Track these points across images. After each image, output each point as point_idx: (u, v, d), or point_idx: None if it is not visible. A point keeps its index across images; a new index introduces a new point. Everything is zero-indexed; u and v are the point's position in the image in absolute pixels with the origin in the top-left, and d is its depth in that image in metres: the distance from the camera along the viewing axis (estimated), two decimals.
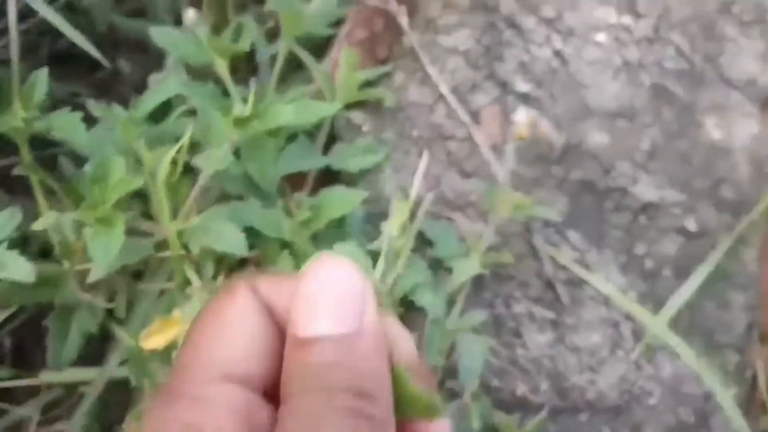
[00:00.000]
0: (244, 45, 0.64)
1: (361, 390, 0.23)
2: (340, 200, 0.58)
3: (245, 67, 0.90)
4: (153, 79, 0.90)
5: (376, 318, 0.26)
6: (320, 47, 0.77)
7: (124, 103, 0.71)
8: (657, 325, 0.64)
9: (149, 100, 0.60)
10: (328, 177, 0.69)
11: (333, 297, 0.25)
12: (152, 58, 0.84)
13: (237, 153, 0.64)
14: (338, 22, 0.82)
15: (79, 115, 0.62)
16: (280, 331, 0.27)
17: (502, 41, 0.74)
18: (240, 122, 0.56)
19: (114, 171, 0.57)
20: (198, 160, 0.55)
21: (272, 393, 0.26)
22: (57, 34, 1.13)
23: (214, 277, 0.65)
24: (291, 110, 0.56)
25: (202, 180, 0.59)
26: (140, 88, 1.07)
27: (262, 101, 0.68)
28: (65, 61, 1.15)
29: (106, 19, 1.06)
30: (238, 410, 0.24)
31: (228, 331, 0.25)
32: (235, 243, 0.54)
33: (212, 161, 0.53)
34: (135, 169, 0.60)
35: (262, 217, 0.58)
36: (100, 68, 1.16)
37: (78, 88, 1.05)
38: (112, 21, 1.06)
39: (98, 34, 1.07)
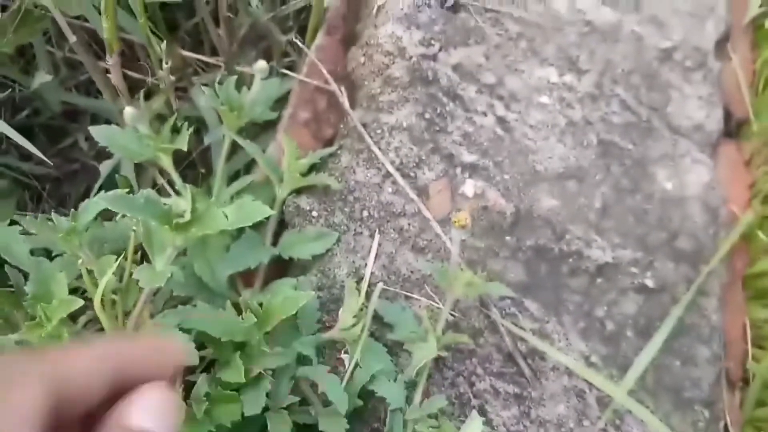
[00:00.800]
0: (181, 143, 0.64)
1: None
2: (288, 301, 0.57)
3: (195, 146, 0.90)
4: (103, 166, 0.90)
5: None
6: (272, 122, 0.77)
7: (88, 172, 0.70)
8: (620, 394, 0.63)
9: (88, 212, 0.60)
10: (281, 265, 0.68)
11: None
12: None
13: (185, 252, 0.63)
14: (283, 100, 0.82)
15: (17, 230, 0.61)
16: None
17: (444, 113, 0.74)
18: (180, 228, 0.55)
19: (56, 290, 0.57)
20: (139, 274, 0.54)
21: None
22: (17, 108, 1.14)
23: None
24: (231, 212, 0.55)
25: (147, 288, 0.58)
26: (100, 154, 1.07)
27: (211, 193, 0.68)
28: (29, 132, 1.15)
29: (58, 98, 1.06)
30: None
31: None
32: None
33: (152, 277, 0.52)
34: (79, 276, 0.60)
35: (212, 321, 0.57)
36: (62, 138, 1.16)
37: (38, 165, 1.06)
38: (64, 100, 1.06)
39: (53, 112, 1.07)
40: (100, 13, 0.78)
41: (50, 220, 0.60)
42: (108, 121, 1.13)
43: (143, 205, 0.54)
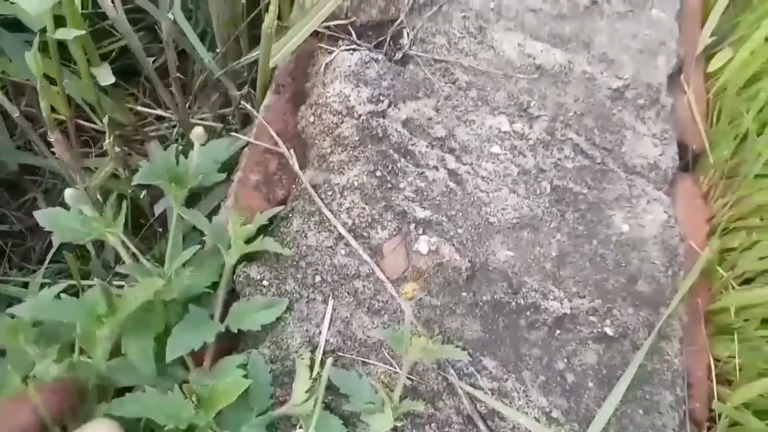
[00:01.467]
0: (120, 226, 0.63)
1: None
2: (235, 383, 0.57)
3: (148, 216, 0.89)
4: (56, 237, 0.88)
5: None
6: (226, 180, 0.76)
7: None
8: None
9: (31, 307, 0.58)
10: (232, 337, 0.67)
11: None
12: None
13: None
14: (233, 163, 0.81)
15: None
16: None
17: (396, 170, 0.73)
18: (101, 323, 0.55)
19: (9, 383, 0.56)
20: (80, 369, 0.54)
21: None
22: None
23: None
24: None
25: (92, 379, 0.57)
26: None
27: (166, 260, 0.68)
28: None
29: (13, 159, 1.05)
30: None
31: None
32: None
33: (89, 371, 0.52)
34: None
35: (158, 408, 0.56)
36: (22, 194, 1.15)
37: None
38: (19, 161, 1.05)
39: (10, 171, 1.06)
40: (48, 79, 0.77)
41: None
42: (65, 179, 1.12)
43: (63, 308, 0.54)
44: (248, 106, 0.80)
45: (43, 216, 0.65)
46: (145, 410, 0.56)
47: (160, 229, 0.92)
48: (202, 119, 1.03)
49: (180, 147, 0.73)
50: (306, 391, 0.61)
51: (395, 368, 0.67)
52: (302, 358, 0.64)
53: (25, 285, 1.00)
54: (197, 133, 0.66)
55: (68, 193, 0.63)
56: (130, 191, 0.81)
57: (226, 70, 0.91)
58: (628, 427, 0.70)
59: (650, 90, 0.89)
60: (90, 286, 0.65)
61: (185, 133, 0.99)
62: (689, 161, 0.92)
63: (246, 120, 1.00)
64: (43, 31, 0.76)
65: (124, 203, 0.65)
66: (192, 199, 0.77)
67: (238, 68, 0.95)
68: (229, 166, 0.87)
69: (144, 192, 0.83)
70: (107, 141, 0.71)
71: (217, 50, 0.93)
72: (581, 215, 0.78)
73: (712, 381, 0.80)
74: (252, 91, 0.93)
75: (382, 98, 0.76)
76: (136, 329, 0.58)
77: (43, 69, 0.70)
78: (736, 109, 0.90)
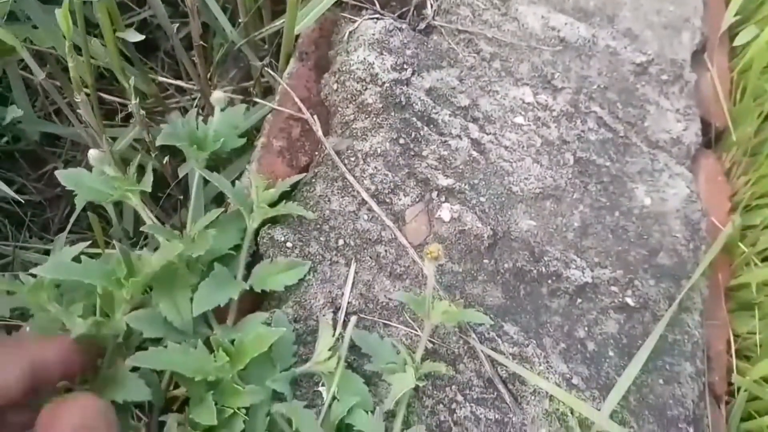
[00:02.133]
0: (146, 185, 0.64)
1: None
2: (260, 337, 0.57)
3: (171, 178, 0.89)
4: (79, 199, 0.89)
5: None
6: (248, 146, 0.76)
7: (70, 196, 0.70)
8: (601, 417, 0.63)
9: (52, 268, 0.59)
10: (255, 297, 0.68)
11: None
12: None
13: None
14: (256, 130, 0.82)
15: None
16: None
17: (419, 138, 0.74)
18: (121, 285, 0.56)
19: None
20: (102, 327, 0.54)
21: None
22: None
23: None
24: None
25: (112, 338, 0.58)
26: None
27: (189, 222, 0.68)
28: (10, 158, 1.15)
29: (35, 128, 1.05)
30: None
31: None
32: (138, 392, 0.54)
33: (112, 328, 0.53)
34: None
35: (184, 361, 0.57)
36: (43, 164, 1.16)
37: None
38: (41, 129, 1.06)
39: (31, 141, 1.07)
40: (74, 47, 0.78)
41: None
42: (88, 147, 1.13)
43: (84, 270, 0.54)
44: (272, 73, 0.81)
45: (66, 176, 0.65)
46: (171, 363, 0.57)
47: (181, 197, 0.93)
48: (222, 91, 1.04)
49: (200, 116, 0.73)
50: (329, 350, 0.61)
51: (416, 331, 0.67)
52: (325, 318, 0.64)
53: (46, 252, 1.01)
54: (217, 97, 0.66)
55: (92, 153, 0.63)
56: (153, 156, 0.82)
57: (248, 39, 0.91)
58: (648, 396, 0.70)
59: (674, 66, 0.88)
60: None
61: (206, 104, 0.99)
62: (711, 138, 0.92)
63: (267, 92, 1.00)
64: None
65: (149, 165, 0.65)
66: (214, 169, 0.77)
67: (258, 41, 0.95)
68: (251, 134, 0.87)
69: (167, 158, 0.83)
70: (133, 102, 0.71)
71: (239, 20, 0.93)
72: (604, 187, 0.78)
73: (731, 355, 0.80)
74: (274, 62, 0.93)
75: (405, 66, 0.76)
76: (164, 286, 0.59)
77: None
78: (760, 87, 0.90)
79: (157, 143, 0.63)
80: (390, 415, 0.63)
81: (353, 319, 0.63)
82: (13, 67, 1.00)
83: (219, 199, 0.97)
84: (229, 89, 1.08)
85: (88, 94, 0.80)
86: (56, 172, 0.65)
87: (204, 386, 0.58)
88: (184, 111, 1.09)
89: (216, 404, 0.56)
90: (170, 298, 0.59)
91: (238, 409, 0.56)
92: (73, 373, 0.53)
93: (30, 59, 0.74)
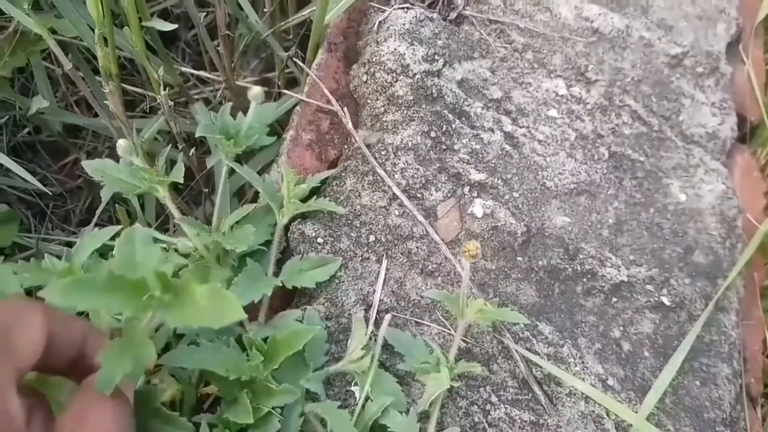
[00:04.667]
0: (177, 176, 0.62)
1: None
2: (294, 336, 0.56)
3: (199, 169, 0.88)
4: (105, 192, 0.88)
5: None
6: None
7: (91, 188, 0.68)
8: (638, 420, 0.61)
9: (83, 250, 0.58)
10: (286, 293, 0.66)
11: None
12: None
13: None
14: (284, 119, 0.80)
15: (9, 268, 0.59)
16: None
17: (450, 131, 0.72)
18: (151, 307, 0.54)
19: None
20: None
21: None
22: (20, 126, 1.13)
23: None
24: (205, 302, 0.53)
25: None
26: None
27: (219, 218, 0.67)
28: (32, 149, 1.14)
29: (58, 119, 1.04)
30: None
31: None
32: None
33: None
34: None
35: (217, 359, 0.56)
36: (64, 156, 1.16)
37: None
38: (64, 120, 1.05)
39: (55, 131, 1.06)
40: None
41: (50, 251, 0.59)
42: (109, 138, 1.12)
43: (102, 289, 0.45)
44: (300, 63, 0.79)
45: (93, 167, 0.64)
46: (204, 362, 0.56)
47: (205, 190, 0.91)
48: (246, 82, 1.02)
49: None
50: (362, 349, 0.60)
51: (449, 330, 0.66)
52: (357, 317, 0.63)
53: (68, 244, 1.00)
54: (255, 92, 0.65)
55: (121, 143, 0.62)
56: (180, 148, 0.81)
57: (273, 30, 0.89)
58: (685, 399, 0.68)
59: (709, 58, 0.86)
60: None
61: (229, 95, 0.98)
62: (747, 133, 0.90)
63: (290, 84, 0.99)
64: None
65: (180, 156, 0.64)
66: (238, 161, 0.76)
67: (281, 32, 0.94)
68: (276, 126, 0.86)
69: (192, 150, 0.82)
70: (161, 93, 0.70)
71: (264, 10, 0.91)
72: (638, 183, 0.76)
73: (767, 357, 0.78)
74: (299, 52, 0.91)
75: (437, 57, 0.74)
76: (197, 281, 0.58)
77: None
78: None
79: (197, 135, 0.61)
80: (424, 416, 0.62)
81: (387, 317, 0.62)
82: (37, 58, 0.99)
83: (240, 192, 0.96)
84: (251, 80, 1.06)
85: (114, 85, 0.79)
86: (83, 163, 0.64)
87: (237, 385, 0.57)
88: (207, 102, 1.08)
89: (250, 403, 0.55)
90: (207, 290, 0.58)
91: (273, 408, 0.55)
92: (83, 361, 0.43)
93: (57, 48, 0.73)
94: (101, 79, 0.71)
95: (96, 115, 1.07)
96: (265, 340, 0.58)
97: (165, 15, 1.16)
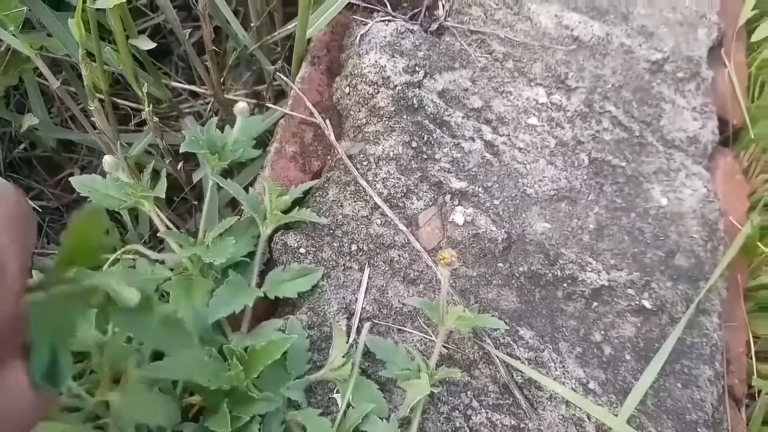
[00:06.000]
0: (160, 191, 0.64)
1: None
2: (274, 345, 0.57)
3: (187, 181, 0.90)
4: None
5: None
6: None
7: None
8: (618, 423, 0.62)
9: None
10: (269, 303, 0.68)
11: None
12: None
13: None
14: (268, 136, 0.82)
15: None
16: None
17: (431, 141, 0.73)
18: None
19: None
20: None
21: None
22: (15, 142, 1.15)
23: None
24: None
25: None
26: None
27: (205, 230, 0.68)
28: (28, 165, 1.16)
29: (51, 135, 1.06)
30: None
31: None
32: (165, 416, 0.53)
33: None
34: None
35: (199, 369, 0.57)
36: (60, 170, 1.17)
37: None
38: (57, 136, 1.07)
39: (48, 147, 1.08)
40: (88, 54, 0.78)
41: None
42: (103, 152, 1.14)
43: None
44: (284, 77, 0.80)
45: (80, 182, 0.66)
46: (186, 372, 0.57)
47: (195, 202, 0.93)
48: (236, 96, 1.04)
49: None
50: (343, 356, 0.61)
51: (431, 336, 0.67)
52: (339, 325, 0.64)
53: None
54: (240, 107, 0.66)
55: (107, 159, 0.64)
56: (167, 162, 0.82)
57: (260, 44, 0.91)
58: (666, 401, 0.69)
59: (690, 63, 0.87)
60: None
61: (219, 109, 0.99)
62: (729, 136, 0.91)
63: (279, 96, 1.00)
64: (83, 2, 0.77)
65: (163, 171, 0.65)
66: (227, 175, 0.78)
67: (270, 45, 0.95)
68: (263, 138, 0.87)
69: (180, 163, 0.83)
70: (146, 110, 0.72)
71: (252, 24, 0.93)
72: (619, 188, 0.77)
73: (751, 358, 0.78)
74: (286, 66, 0.93)
75: (417, 69, 0.76)
76: (185, 291, 0.59)
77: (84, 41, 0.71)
78: None
79: (181, 151, 0.63)
80: (405, 422, 0.63)
81: (367, 325, 0.63)
82: (30, 75, 1.01)
83: (234, 203, 0.97)
84: (241, 93, 1.08)
85: (102, 101, 0.81)
86: (71, 179, 0.66)
87: (219, 395, 0.58)
88: (198, 115, 1.10)
89: (231, 412, 0.56)
90: (189, 305, 0.59)
91: (253, 417, 0.56)
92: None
93: (44, 68, 0.75)
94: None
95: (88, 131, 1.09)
96: (246, 349, 0.59)
97: (157, 29, 1.18)
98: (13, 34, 0.74)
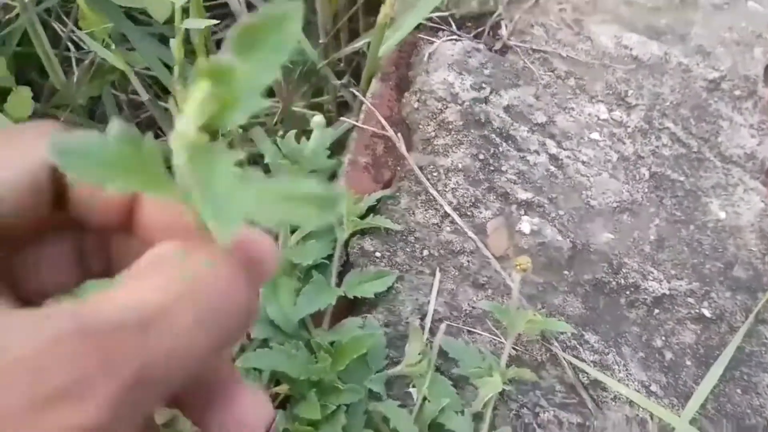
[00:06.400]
0: None
1: None
2: (358, 340, 0.61)
3: None
4: None
5: None
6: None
7: None
8: (681, 423, 0.65)
9: None
10: (348, 304, 0.72)
11: None
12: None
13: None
14: (340, 143, 0.86)
15: None
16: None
17: (498, 154, 0.77)
18: None
19: None
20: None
21: None
22: None
23: None
24: None
25: None
26: None
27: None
28: None
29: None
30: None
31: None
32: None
33: None
34: None
35: (289, 362, 0.62)
36: None
37: None
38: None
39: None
40: (165, 66, 0.84)
41: None
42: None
43: None
44: (357, 92, 0.85)
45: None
46: (276, 364, 0.61)
47: None
48: (298, 107, 1.09)
49: (281, 133, 0.78)
50: (419, 353, 0.65)
51: (500, 338, 0.70)
52: (413, 324, 0.68)
53: None
54: (317, 120, 0.71)
55: None
56: None
57: (329, 61, 0.96)
58: (726, 405, 0.71)
59: (747, 81, 0.90)
60: None
61: (284, 119, 1.05)
62: None
63: (341, 107, 1.05)
64: (166, 22, 0.83)
65: None
66: None
67: (334, 60, 1.00)
68: (334, 150, 0.92)
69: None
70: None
71: (320, 41, 0.98)
72: (678, 201, 0.80)
73: None
74: (352, 81, 0.98)
75: (484, 86, 0.80)
76: (273, 289, 0.64)
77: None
78: None
79: (266, 161, 0.68)
80: (477, 417, 0.66)
81: (443, 325, 0.67)
82: (107, 86, 1.08)
83: None
84: (300, 105, 1.13)
85: None
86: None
87: (307, 385, 0.62)
88: (263, 125, 1.15)
89: (319, 401, 0.60)
90: (277, 303, 0.64)
91: (339, 406, 0.61)
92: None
93: (137, 82, 0.81)
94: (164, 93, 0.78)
95: (157, 137, 1.15)
96: (331, 344, 0.63)
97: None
98: (108, 49, 0.80)
